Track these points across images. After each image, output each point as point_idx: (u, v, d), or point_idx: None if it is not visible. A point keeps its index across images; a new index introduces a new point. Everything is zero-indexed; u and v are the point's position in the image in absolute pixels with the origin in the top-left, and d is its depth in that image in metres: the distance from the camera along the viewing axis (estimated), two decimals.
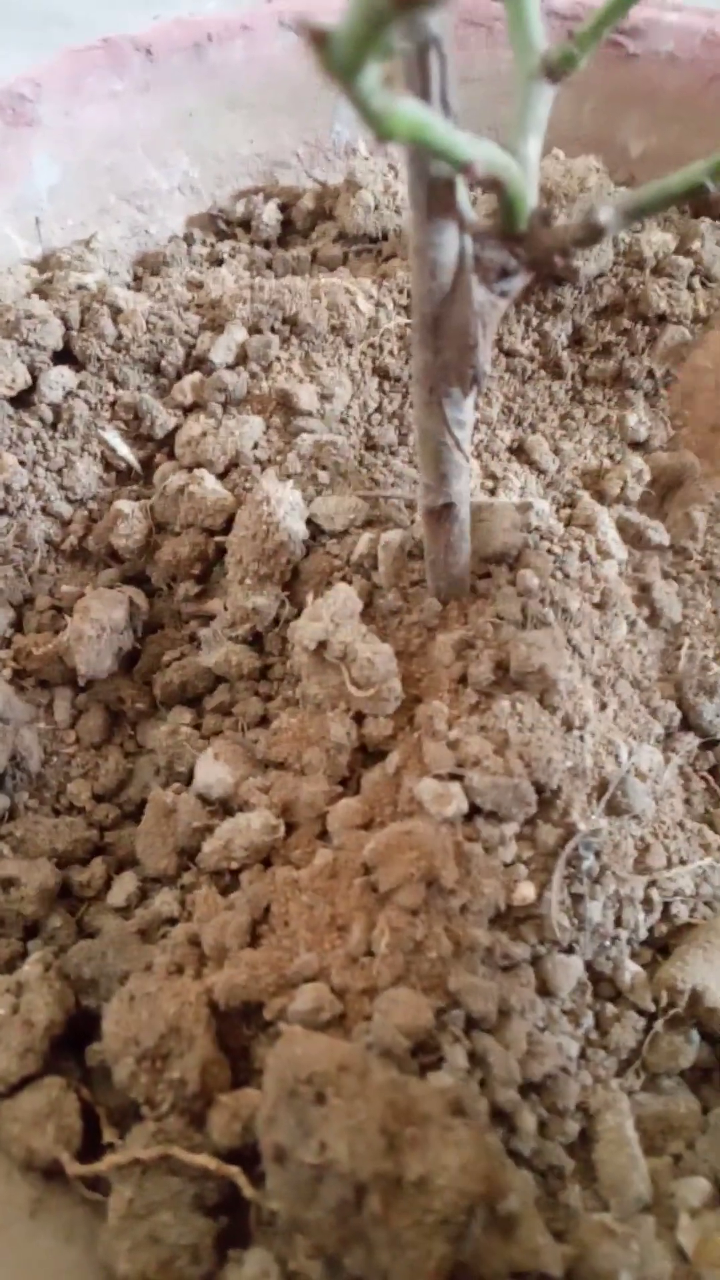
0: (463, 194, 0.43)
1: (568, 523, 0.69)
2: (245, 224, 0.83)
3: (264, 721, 0.62)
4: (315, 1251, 0.41)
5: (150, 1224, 0.44)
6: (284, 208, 0.84)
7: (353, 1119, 0.39)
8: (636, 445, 0.75)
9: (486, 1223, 0.43)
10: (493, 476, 0.71)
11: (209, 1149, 0.46)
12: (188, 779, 0.61)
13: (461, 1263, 0.42)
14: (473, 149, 0.36)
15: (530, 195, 0.45)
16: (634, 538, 0.71)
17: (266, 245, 0.82)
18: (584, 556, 0.66)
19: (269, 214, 0.82)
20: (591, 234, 0.44)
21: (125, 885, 0.60)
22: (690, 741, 0.63)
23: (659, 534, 0.71)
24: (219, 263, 0.79)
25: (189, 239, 0.82)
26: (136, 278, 0.78)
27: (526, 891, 0.53)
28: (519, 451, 0.74)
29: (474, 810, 0.55)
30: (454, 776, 0.55)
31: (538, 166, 0.47)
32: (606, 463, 0.74)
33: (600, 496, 0.72)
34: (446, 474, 0.52)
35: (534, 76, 0.48)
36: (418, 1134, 0.39)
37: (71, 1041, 0.53)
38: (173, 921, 0.56)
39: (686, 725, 0.64)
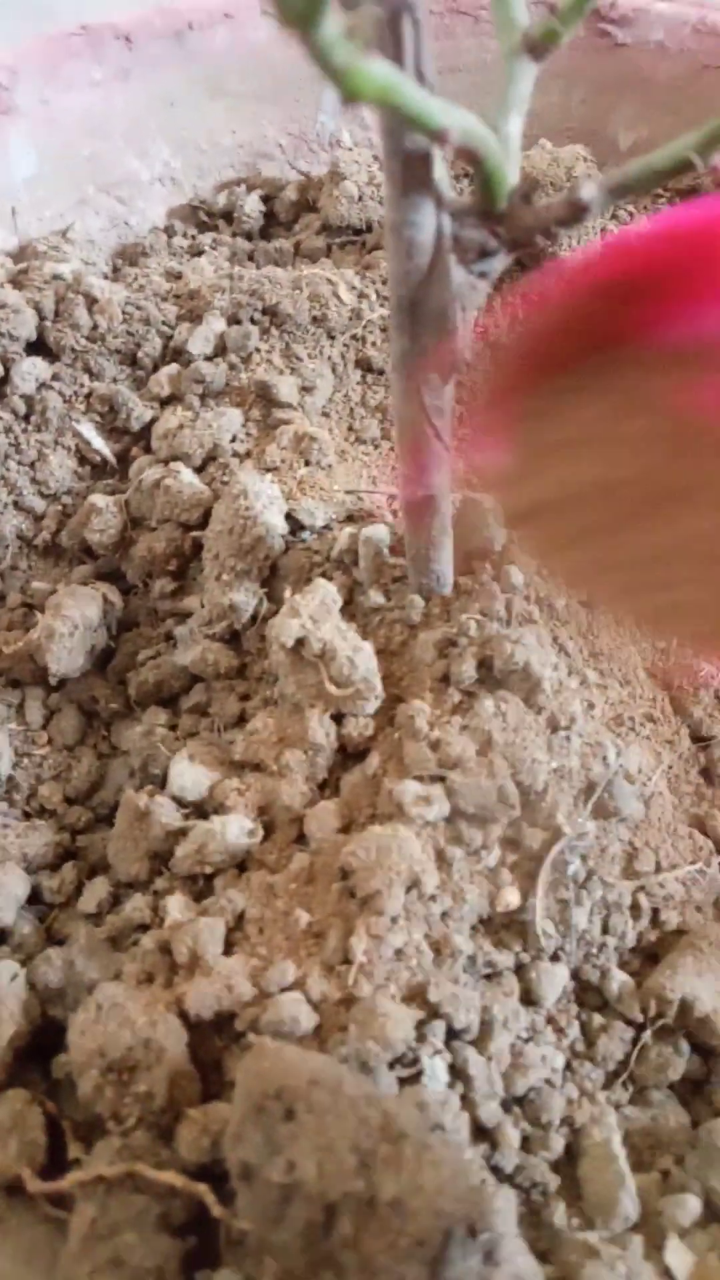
0: (441, 171, 0.41)
1: None
2: (227, 215, 0.81)
3: (241, 721, 0.60)
4: (284, 1275, 0.39)
5: (113, 1245, 0.42)
6: (267, 199, 0.82)
7: (323, 1136, 0.37)
8: None
9: (466, 1245, 0.41)
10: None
11: (177, 1165, 0.44)
12: (162, 781, 0.59)
13: None
14: (447, 116, 0.34)
15: (511, 173, 0.43)
16: None
17: (249, 237, 0.81)
18: None
19: (251, 205, 0.80)
20: (574, 212, 0.42)
21: (97, 891, 0.58)
22: (681, 742, 0.61)
23: None
24: (199, 254, 0.77)
25: (170, 230, 0.80)
26: (115, 269, 0.77)
27: (511, 897, 0.51)
28: None
29: (456, 813, 0.53)
30: (435, 778, 0.53)
31: (519, 145, 0.45)
32: None
33: None
34: (427, 465, 0.50)
35: (516, 53, 0.46)
36: (392, 1152, 0.38)
37: (38, 1053, 0.51)
38: (144, 928, 0.54)
39: (676, 725, 0.62)
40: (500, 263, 0.44)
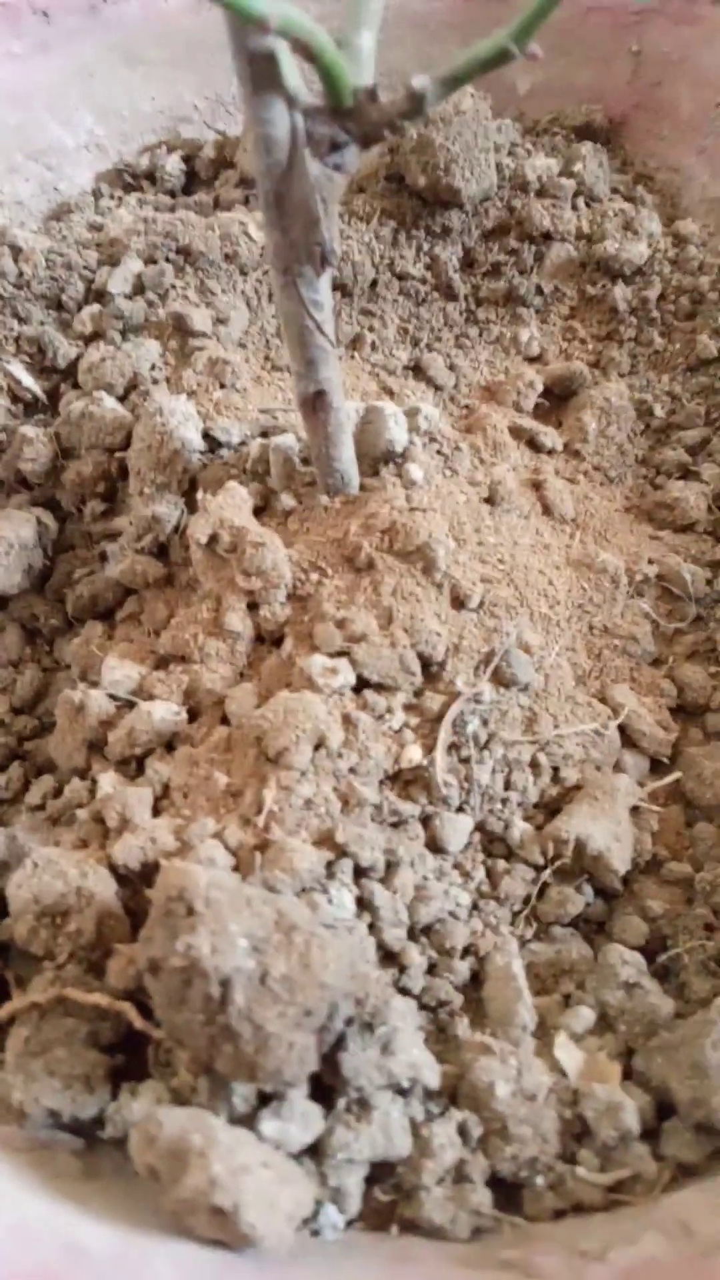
0: (292, 72, 0.46)
1: (465, 431, 0.72)
2: (150, 176, 0.86)
3: (170, 624, 0.65)
4: (194, 1065, 0.43)
5: (45, 1060, 0.46)
6: (187, 159, 0.87)
7: (218, 924, 0.41)
8: (531, 360, 0.78)
9: (364, 1039, 0.45)
10: (389, 392, 0.74)
11: (108, 993, 0.48)
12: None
13: (340, 1075, 0.44)
14: (265, 4, 0.38)
15: (363, 76, 0.48)
16: (528, 443, 0.74)
17: (172, 194, 0.85)
18: (476, 457, 0.69)
19: (172, 164, 0.85)
20: (413, 104, 0.47)
21: (42, 786, 0.62)
22: (582, 621, 0.66)
23: (551, 438, 0.74)
24: None
25: (97, 194, 0.85)
26: (46, 230, 0.81)
27: (413, 753, 0.56)
28: (416, 370, 0.76)
29: (363, 683, 0.57)
30: (341, 653, 0.57)
31: (371, 54, 0.50)
32: (501, 377, 0.77)
33: (495, 406, 0.75)
34: (313, 359, 0.55)
35: None
36: (283, 940, 0.42)
37: None
38: (82, 806, 0.58)
39: (579, 609, 0.66)
40: (353, 155, 0.48)
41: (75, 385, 0.71)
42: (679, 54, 0.81)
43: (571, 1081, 0.48)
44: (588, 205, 0.79)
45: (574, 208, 0.79)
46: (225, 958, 0.40)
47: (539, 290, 0.78)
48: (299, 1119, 0.43)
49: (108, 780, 0.57)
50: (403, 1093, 0.46)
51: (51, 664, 0.68)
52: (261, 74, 0.44)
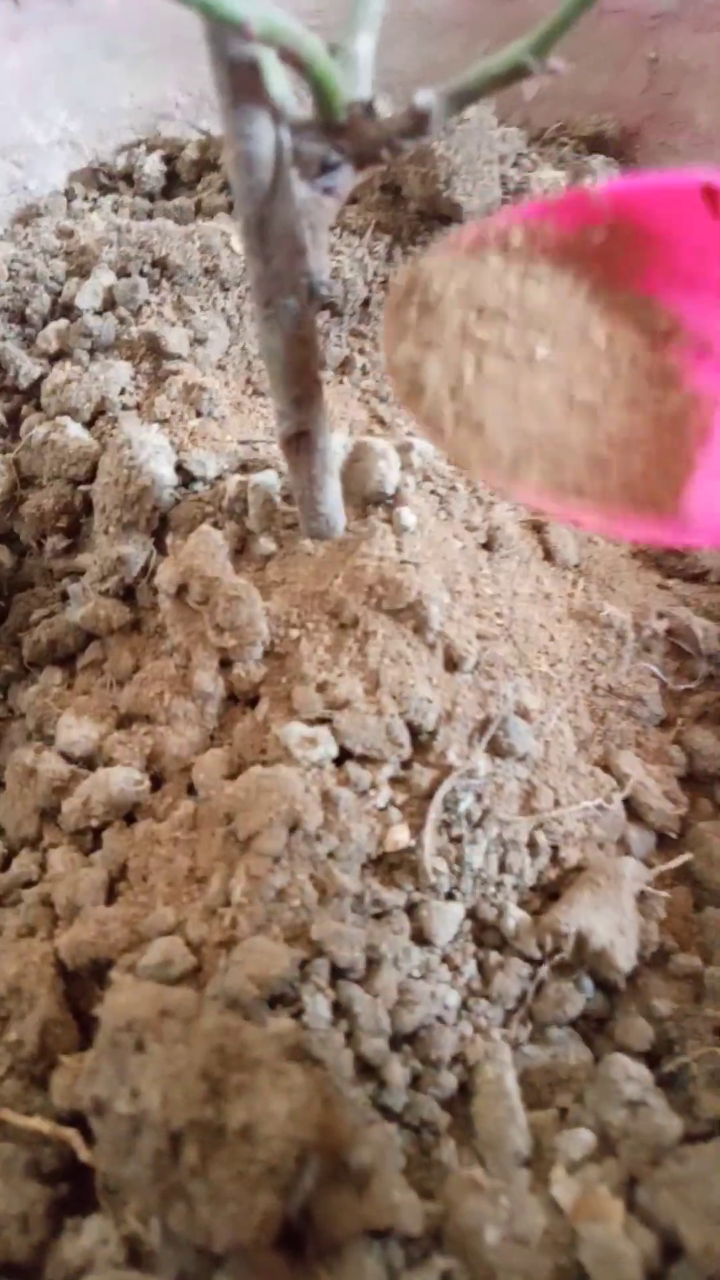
0: (279, 82, 0.40)
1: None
2: (128, 177, 0.80)
3: (134, 677, 0.59)
4: (143, 1211, 0.38)
5: None
6: (169, 159, 0.81)
7: (171, 1065, 0.36)
8: None
9: (338, 1178, 0.40)
10: (380, 421, 0.69)
11: (50, 1113, 0.43)
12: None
13: (311, 1220, 0.39)
14: (245, 6, 0.33)
15: (359, 87, 0.42)
16: None
17: (150, 198, 0.79)
18: (473, 496, 0.64)
19: (151, 166, 0.79)
20: (416, 122, 0.41)
21: None
22: (585, 680, 0.61)
23: None
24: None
25: (69, 194, 0.79)
26: (12, 233, 0.75)
27: (400, 835, 0.50)
28: None
29: (345, 754, 0.52)
30: (322, 720, 0.52)
31: (369, 62, 0.44)
32: None
33: None
34: (297, 398, 0.49)
35: None
36: (245, 1080, 0.37)
37: None
38: (31, 885, 0.53)
39: (582, 666, 0.61)
40: (346, 177, 0.43)
41: (38, 407, 0.66)
42: (698, 62, 0.75)
43: (568, 1221, 0.43)
44: None
45: None
46: (177, 1109, 0.35)
47: None
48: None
49: (59, 858, 0.51)
50: (379, 1236, 0.41)
51: (5, 713, 0.63)
52: (243, 84, 0.39)
